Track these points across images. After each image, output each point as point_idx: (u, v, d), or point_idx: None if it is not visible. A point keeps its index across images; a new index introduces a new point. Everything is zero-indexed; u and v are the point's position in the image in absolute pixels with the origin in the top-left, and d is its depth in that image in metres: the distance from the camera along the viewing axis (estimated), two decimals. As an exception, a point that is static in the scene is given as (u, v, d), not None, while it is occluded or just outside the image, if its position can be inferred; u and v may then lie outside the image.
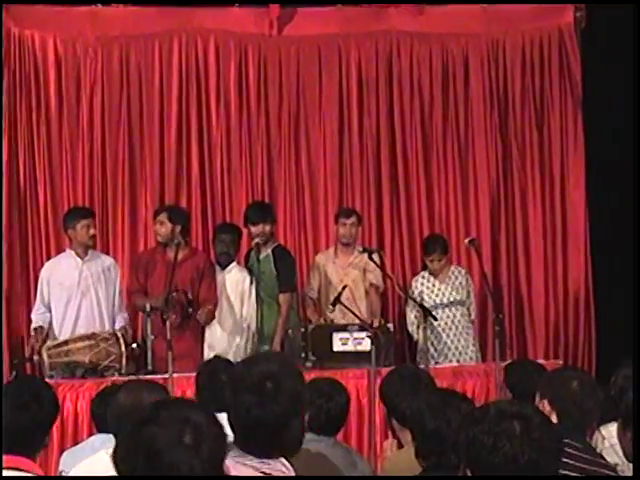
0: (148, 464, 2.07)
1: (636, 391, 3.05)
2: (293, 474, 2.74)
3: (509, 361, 6.12)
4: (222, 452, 2.15)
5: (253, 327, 7.54)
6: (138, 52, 8.65)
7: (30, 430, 3.07)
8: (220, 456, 2.14)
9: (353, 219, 7.88)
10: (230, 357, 6.14)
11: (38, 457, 3.29)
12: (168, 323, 6.76)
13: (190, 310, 7.22)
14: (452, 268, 8.07)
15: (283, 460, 2.72)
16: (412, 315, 7.92)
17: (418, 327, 7.79)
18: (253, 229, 7.64)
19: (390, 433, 4.67)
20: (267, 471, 2.68)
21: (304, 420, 2.82)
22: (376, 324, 7.27)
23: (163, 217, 7.48)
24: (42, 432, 3.13)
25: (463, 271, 8.11)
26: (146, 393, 3.97)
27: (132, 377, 6.59)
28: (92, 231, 7.36)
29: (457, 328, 7.89)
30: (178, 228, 7.41)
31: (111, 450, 3.85)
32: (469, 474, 2.32)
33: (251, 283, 7.57)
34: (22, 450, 3.02)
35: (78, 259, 7.38)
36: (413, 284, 8.09)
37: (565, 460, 3.50)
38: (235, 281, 7.62)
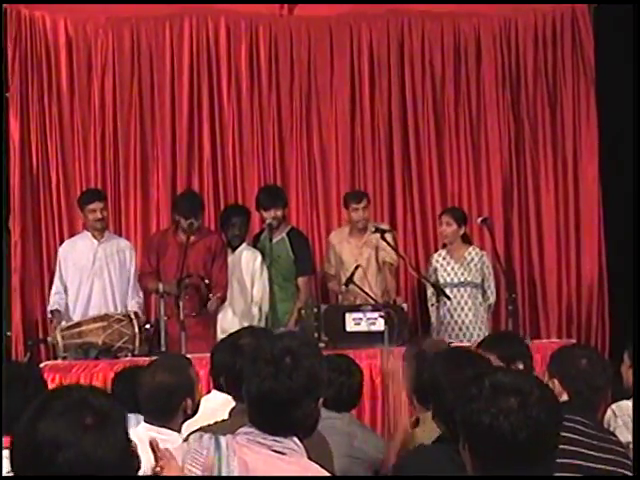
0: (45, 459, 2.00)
1: (636, 384, 3.02)
2: (304, 453, 2.75)
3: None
4: (126, 435, 2.09)
5: (266, 309, 7.54)
6: (149, 33, 8.63)
7: (11, 411, 3.09)
8: (124, 441, 2.08)
9: (364, 202, 7.81)
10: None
11: None
12: (181, 304, 6.78)
13: (210, 296, 7.20)
14: (470, 249, 7.87)
15: (295, 439, 2.73)
16: (429, 293, 7.89)
17: (432, 305, 7.78)
18: (265, 214, 7.64)
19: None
20: (278, 449, 2.70)
21: (318, 402, 2.81)
22: (391, 302, 7.25)
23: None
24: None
25: (480, 253, 7.88)
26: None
27: (145, 358, 6.63)
28: (98, 214, 7.36)
29: (463, 309, 7.79)
30: (196, 224, 7.32)
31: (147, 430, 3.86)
32: (467, 450, 2.32)
33: (262, 263, 7.58)
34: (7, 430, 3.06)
35: (94, 240, 7.42)
36: (431, 260, 8.04)
37: (577, 438, 3.51)
38: (246, 262, 7.61)
